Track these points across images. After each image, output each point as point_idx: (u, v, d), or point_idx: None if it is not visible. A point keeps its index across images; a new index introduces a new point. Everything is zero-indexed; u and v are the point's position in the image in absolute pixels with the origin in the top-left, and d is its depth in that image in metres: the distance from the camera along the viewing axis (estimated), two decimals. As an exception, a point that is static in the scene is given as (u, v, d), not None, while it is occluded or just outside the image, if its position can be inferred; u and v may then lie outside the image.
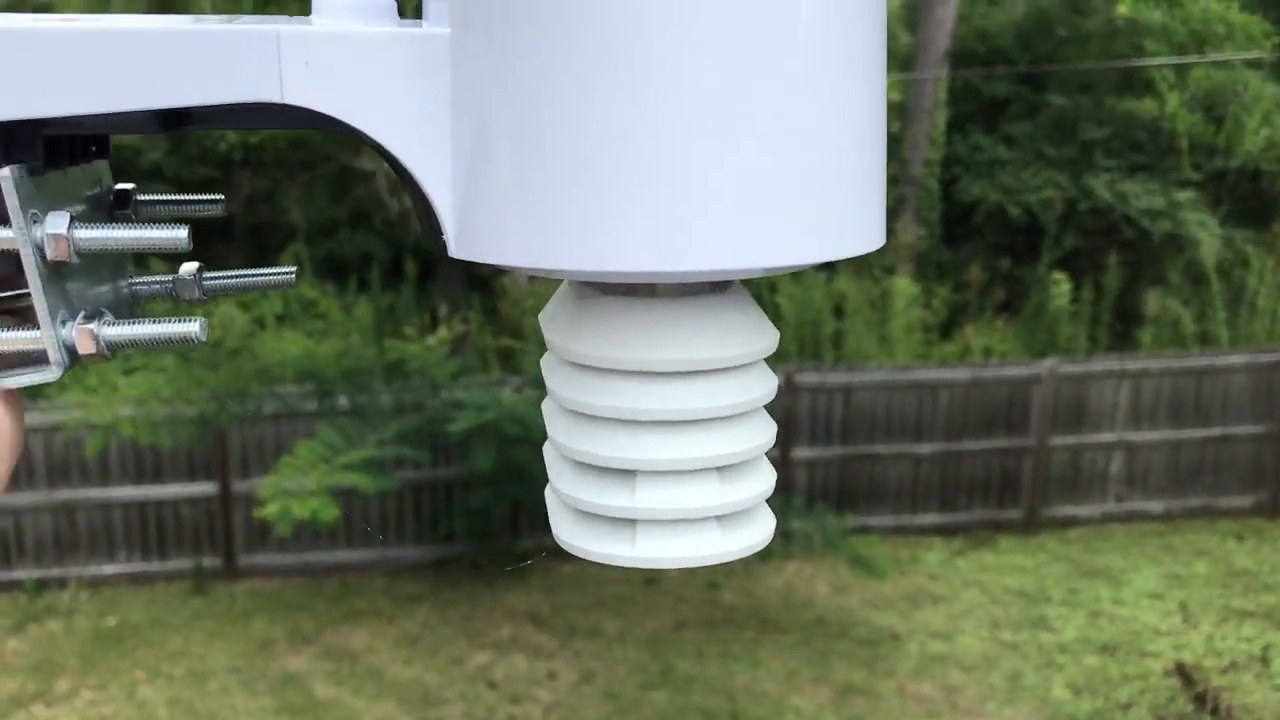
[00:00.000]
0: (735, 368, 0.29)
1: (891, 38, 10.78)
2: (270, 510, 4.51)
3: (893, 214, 7.57)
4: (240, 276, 0.33)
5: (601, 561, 0.30)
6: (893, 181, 7.53)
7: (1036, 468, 5.32)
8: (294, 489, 4.38)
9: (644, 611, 4.53)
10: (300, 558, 4.97)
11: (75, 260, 0.27)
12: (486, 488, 4.53)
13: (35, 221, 0.26)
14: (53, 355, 0.27)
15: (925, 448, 5.23)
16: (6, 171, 0.26)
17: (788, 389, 5.05)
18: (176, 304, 0.33)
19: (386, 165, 0.29)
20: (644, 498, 0.29)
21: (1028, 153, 7.18)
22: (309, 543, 4.91)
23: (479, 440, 4.28)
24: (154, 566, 4.83)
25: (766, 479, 0.31)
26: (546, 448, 0.33)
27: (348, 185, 7.02)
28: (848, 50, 0.26)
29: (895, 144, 7.53)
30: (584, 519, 0.30)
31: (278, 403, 4.66)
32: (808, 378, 5.17)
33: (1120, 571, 4.93)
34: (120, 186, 0.32)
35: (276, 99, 0.27)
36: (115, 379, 4.88)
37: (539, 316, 0.32)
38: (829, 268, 7.74)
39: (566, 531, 0.31)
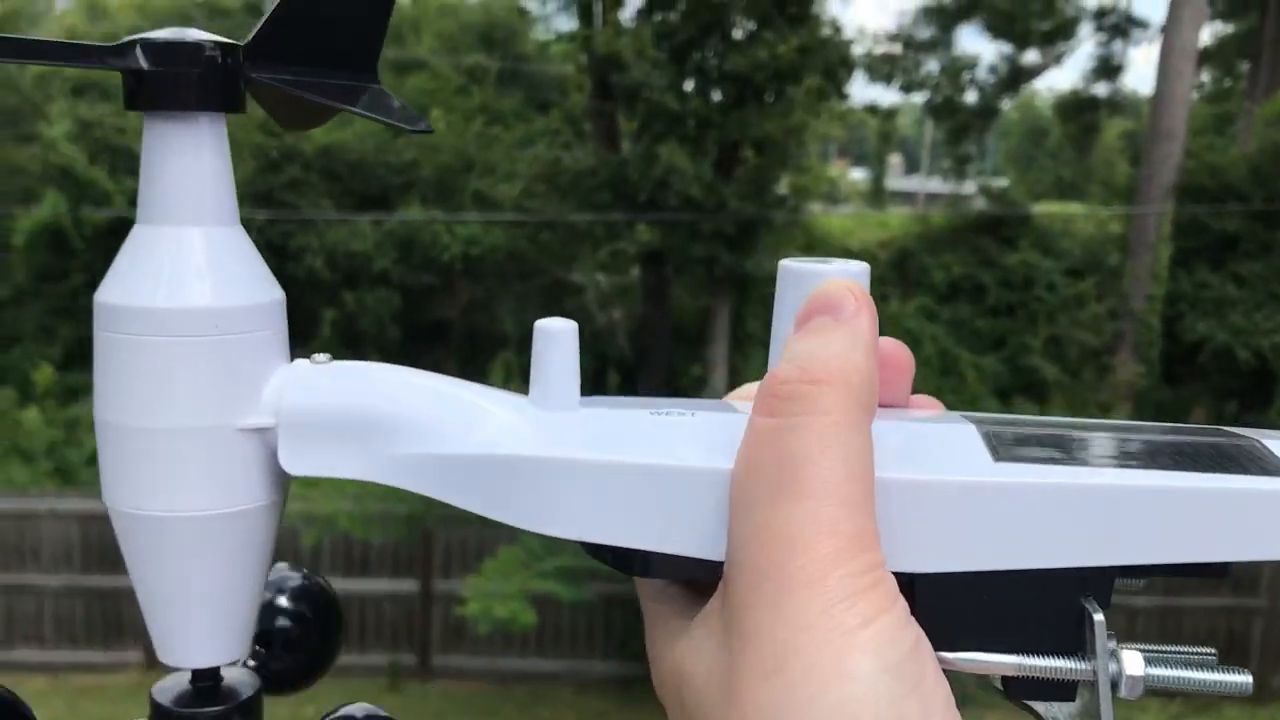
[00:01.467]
0: None
1: (1109, 167, 10.40)
2: (472, 609, 4.62)
3: (1110, 350, 7.28)
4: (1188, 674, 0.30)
5: None
6: (1111, 316, 7.27)
7: (1268, 631, 4.92)
8: (495, 591, 4.48)
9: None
10: (492, 662, 5.01)
11: (1137, 697, 0.28)
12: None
13: (1113, 658, 0.28)
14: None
15: (1142, 600, 4.92)
16: (1100, 616, 0.28)
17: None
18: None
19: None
20: None
21: (1259, 293, 6.83)
22: (501, 647, 4.95)
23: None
24: (353, 660, 4.96)
25: None
26: None
27: (559, 297, 7.24)
28: None
29: (1115, 278, 7.27)
30: None
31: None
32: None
33: (1365, 754, 4.48)
34: None
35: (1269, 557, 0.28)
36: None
37: None
38: (1041, 402, 7.48)
39: None
